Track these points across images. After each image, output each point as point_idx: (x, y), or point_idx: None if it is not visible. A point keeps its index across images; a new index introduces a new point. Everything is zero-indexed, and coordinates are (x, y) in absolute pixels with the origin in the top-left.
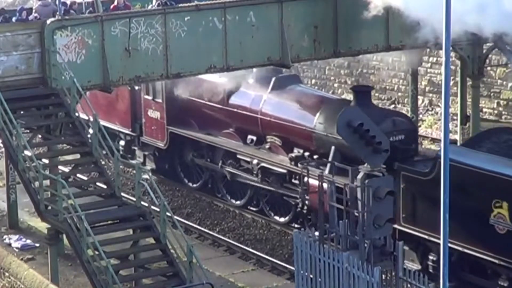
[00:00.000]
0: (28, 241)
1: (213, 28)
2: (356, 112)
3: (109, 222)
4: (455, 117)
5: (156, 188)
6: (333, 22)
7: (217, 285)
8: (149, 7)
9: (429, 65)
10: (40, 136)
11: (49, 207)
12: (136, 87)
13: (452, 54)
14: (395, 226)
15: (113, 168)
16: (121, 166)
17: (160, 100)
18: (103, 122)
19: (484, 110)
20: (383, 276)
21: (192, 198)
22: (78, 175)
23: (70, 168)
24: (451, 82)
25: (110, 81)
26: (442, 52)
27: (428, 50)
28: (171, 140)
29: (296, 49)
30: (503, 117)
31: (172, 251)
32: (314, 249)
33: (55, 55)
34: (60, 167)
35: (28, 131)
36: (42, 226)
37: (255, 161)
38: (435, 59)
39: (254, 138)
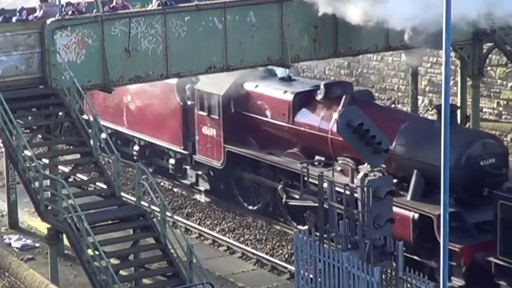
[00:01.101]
0: (28, 241)
1: (213, 28)
2: (356, 112)
3: (109, 222)
4: None
5: (156, 188)
6: (333, 22)
7: (217, 285)
8: (149, 7)
9: (429, 65)
10: (40, 136)
11: (49, 207)
12: (189, 102)
13: (452, 54)
14: (491, 259)
15: (113, 168)
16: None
17: (216, 117)
18: (150, 139)
19: (484, 110)
20: (383, 276)
21: (192, 198)
22: (78, 175)
23: (70, 168)
24: (451, 82)
25: (110, 81)
26: (442, 52)
27: (428, 50)
28: (228, 159)
29: (296, 49)
30: (503, 117)
31: (172, 251)
32: (314, 249)
33: (55, 55)
34: (60, 167)
35: (28, 131)
36: (42, 226)
37: (325, 185)
38: (435, 59)
39: (323, 159)
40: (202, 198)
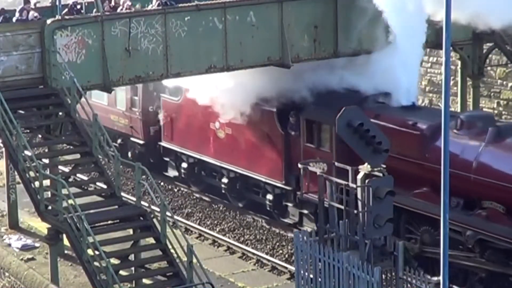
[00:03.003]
0: (28, 241)
1: (213, 28)
2: (356, 112)
3: (109, 222)
4: None
5: (156, 188)
6: (333, 22)
7: (217, 285)
8: (149, 7)
9: (429, 65)
10: (40, 136)
11: (49, 207)
12: (292, 132)
13: (452, 54)
14: None
15: (113, 168)
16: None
17: (327, 150)
18: (242, 171)
19: (484, 110)
20: (383, 276)
21: (192, 198)
22: (78, 175)
23: (70, 168)
24: (451, 82)
25: (110, 81)
26: (442, 52)
27: (428, 50)
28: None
29: (296, 49)
30: (503, 117)
31: (172, 251)
32: (314, 249)
33: (55, 55)
34: (60, 167)
35: (28, 131)
36: (42, 226)
37: (469, 233)
38: (435, 59)
39: (461, 201)
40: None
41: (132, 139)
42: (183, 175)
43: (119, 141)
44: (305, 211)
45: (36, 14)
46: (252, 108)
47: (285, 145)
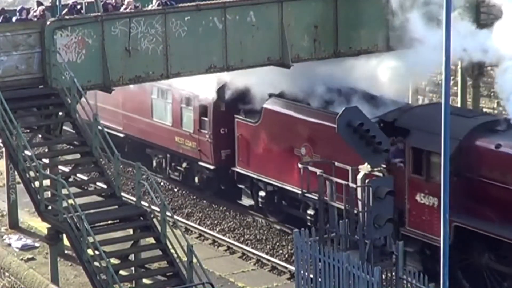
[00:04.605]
0: (28, 241)
1: (213, 28)
2: (356, 112)
3: (109, 222)
4: None
5: (156, 188)
6: (333, 22)
7: (217, 285)
8: (149, 7)
9: None
10: (40, 136)
11: (49, 207)
12: (395, 161)
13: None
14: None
15: (113, 168)
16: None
17: (439, 182)
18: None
19: (484, 110)
20: (383, 276)
21: (192, 198)
22: (78, 175)
23: (70, 168)
24: (451, 82)
25: (110, 81)
26: (442, 52)
27: None
28: (456, 237)
29: (296, 49)
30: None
31: (172, 251)
32: (314, 249)
33: (55, 55)
34: (60, 167)
35: (28, 131)
36: (42, 226)
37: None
38: None
39: None
40: None
41: (200, 163)
42: (260, 204)
43: (184, 165)
44: (410, 249)
45: (43, 8)
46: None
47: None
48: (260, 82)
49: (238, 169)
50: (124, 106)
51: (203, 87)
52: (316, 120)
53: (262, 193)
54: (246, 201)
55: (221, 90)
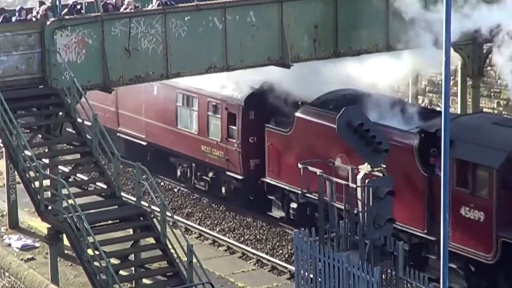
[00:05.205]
0: (28, 241)
1: (213, 28)
2: (356, 112)
3: (109, 222)
4: None
5: (156, 188)
6: (333, 22)
7: (217, 285)
8: (149, 7)
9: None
10: (40, 136)
11: (49, 207)
12: (438, 174)
13: (452, 54)
14: None
15: (113, 168)
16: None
17: (486, 196)
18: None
19: (484, 110)
20: (383, 276)
21: (192, 198)
22: (78, 175)
23: (70, 168)
24: (451, 82)
25: (110, 81)
26: (442, 52)
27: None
28: (503, 253)
29: (296, 49)
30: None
31: (172, 251)
32: (314, 249)
33: (55, 55)
34: (60, 167)
35: (28, 131)
36: (42, 226)
37: None
38: None
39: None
40: None
41: (227, 173)
42: (291, 216)
43: (210, 174)
44: (453, 265)
45: (45, 7)
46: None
47: (428, 187)
48: (291, 90)
49: (268, 179)
50: (147, 113)
51: (231, 95)
52: None
53: (293, 205)
54: (277, 213)
55: (250, 98)
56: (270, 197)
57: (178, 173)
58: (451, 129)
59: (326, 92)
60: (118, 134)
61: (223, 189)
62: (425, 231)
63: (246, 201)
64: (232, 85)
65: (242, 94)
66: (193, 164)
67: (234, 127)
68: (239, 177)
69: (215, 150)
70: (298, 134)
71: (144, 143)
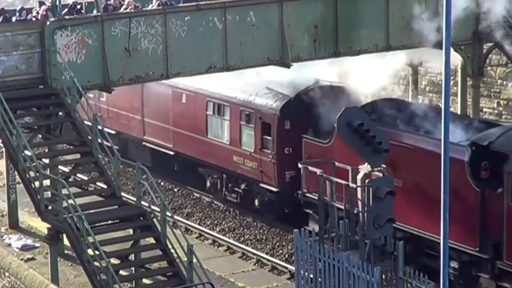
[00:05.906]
0: (28, 241)
1: (213, 28)
2: (356, 112)
3: (109, 222)
4: None
5: (156, 188)
6: (333, 22)
7: (217, 285)
8: (149, 7)
9: (429, 64)
10: (40, 136)
11: (49, 207)
12: (492, 189)
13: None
14: None
15: (113, 168)
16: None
17: None
18: (415, 231)
19: (484, 110)
20: (383, 276)
21: (192, 198)
22: (78, 175)
23: (70, 168)
24: (451, 82)
25: (110, 81)
26: (442, 52)
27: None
28: None
29: (296, 49)
30: (503, 116)
31: (172, 251)
32: (314, 249)
33: (55, 55)
34: (60, 167)
35: (28, 131)
36: (42, 226)
37: None
38: None
39: None
40: None
41: (261, 185)
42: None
43: (243, 186)
44: (508, 285)
45: (45, 7)
46: (433, 156)
47: (481, 203)
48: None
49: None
50: (175, 122)
51: (265, 103)
52: (396, 142)
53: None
54: (314, 227)
55: (285, 107)
56: (307, 211)
57: (208, 184)
58: (505, 142)
59: (367, 102)
60: (144, 143)
61: (256, 202)
62: (477, 248)
63: (281, 214)
64: (267, 94)
65: (278, 103)
66: (224, 175)
67: (268, 137)
68: (274, 189)
69: (248, 161)
70: (337, 145)
71: (172, 153)
